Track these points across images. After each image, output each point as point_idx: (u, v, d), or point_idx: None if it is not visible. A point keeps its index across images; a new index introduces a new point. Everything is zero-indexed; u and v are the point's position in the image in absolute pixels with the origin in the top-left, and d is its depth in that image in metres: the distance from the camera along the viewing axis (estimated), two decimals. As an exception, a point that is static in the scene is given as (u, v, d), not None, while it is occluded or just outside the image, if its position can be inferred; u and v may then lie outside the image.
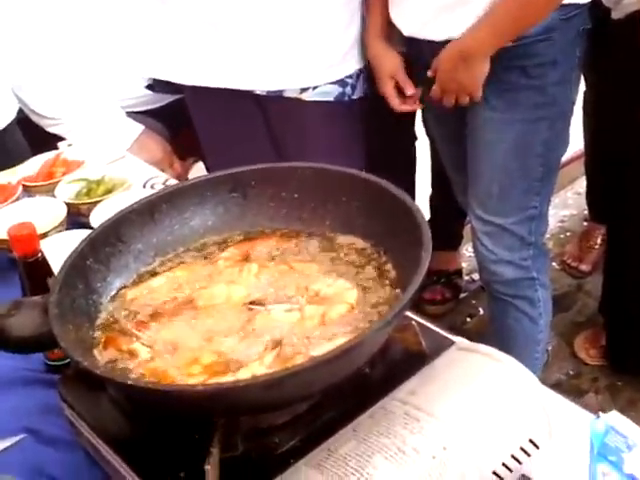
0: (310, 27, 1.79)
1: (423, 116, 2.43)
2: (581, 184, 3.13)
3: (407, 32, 1.79)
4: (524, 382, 0.89)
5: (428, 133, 2.51)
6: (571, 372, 2.47)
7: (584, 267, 2.90)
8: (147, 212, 1.08)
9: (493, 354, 0.92)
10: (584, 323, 2.67)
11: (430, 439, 0.82)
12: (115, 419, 0.94)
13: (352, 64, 1.87)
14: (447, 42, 1.69)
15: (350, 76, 1.86)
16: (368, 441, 0.83)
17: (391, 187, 0.98)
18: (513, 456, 0.84)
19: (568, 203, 3.27)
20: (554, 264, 2.86)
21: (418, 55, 1.84)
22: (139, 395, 0.83)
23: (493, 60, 1.69)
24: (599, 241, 2.89)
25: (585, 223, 3.09)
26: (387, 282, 0.97)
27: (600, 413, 0.78)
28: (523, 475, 0.85)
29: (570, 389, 2.39)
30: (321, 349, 0.86)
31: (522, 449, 0.85)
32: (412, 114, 2.53)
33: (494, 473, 0.83)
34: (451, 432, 0.82)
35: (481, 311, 2.85)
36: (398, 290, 0.93)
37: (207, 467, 0.80)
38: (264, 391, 0.76)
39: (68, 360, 1.13)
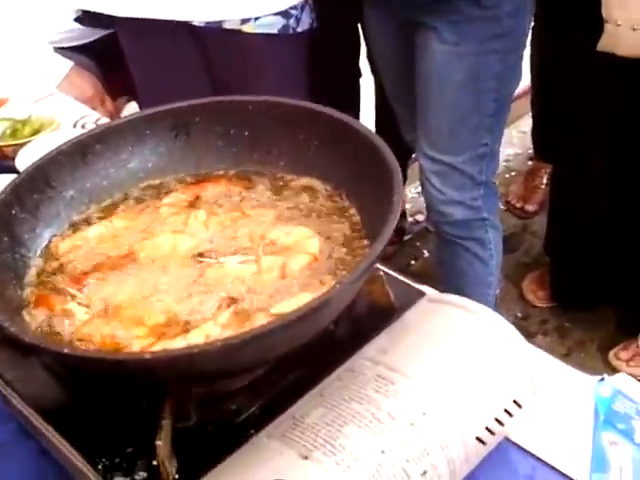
0: None
1: (368, 52, 2.33)
2: (526, 122, 3.08)
3: None
4: (505, 336, 0.81)
5: (373, 70, 2.42)
6: (519, 314, 2.44)
7: (529, 207, 2.86)
8: (78, 153, 0.96)
9: (469, 306, 0.84)
10: (531, 264, 2.65)
11: (407, 404, 0.73)
12: (49, 388, 0.84)
13: None
14: None
15: (294, 7, 1.74)
16: (338, 408, 0.74)
17: (357, 124, 0.88)
18: (497, 419, 0.77)
19: (513, 142, 3.21)
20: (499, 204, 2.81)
21: None
22: (77, 365, 0.73)
23: (445, -9, 1.61)
24: (544, 181, 2.86)
25: (530, 162, 3.05)
26: (351, 229, 0.87)
27: (605, 375, 0.71)
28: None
29: (519, 331, 2.35)
30: (284, 306, 0.77)
31: (506, 411, 0.77)
32: (356, 49, 2.44)
33: (478, 439, 0.75)
34: (430, 395, 0.74)
35: (426, 253, 2.80)
36: (365, 239, 0.84)
37: (158, 442, 0.71)
38: (223, 357, 0.67)
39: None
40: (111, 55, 2.09)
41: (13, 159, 1.40)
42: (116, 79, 2.23)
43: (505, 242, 2.24)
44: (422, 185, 1.99)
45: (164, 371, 0.69)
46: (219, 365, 0.70)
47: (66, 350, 0.68)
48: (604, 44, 1.76)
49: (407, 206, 2.94)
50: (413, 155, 2.77)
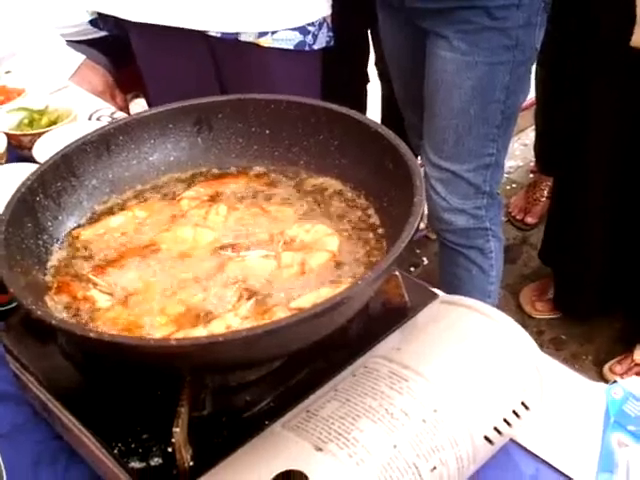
0: None
1: (376, 58, 2.35)
2: (528, 135, 3.10)
3: None
4: (516, 339, 0.83)
5: (380, 76, 2.44)
6: (516, 325, 2.44)
7: (530, 219, 2.88)
8: (102, 144, 0.97)
9: (482, 309, 0.85)
10: (529, 275, 2.67)
11: (420, 401, 0.75)
12: (67, 373, 0.85)
13: (315, 11, 1.74)
14: None
15: (312, 24, 1.74)
16: (352, 402, 0.75)
17: (378, 126, 0.89)
18: (505, 420, 0.78)
19: (515, 154, 3.23)
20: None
21: None
22: (101, 350, 0.74)
23: (456, -1, 1.63)
24: (545, 194, 2.88)
25: (531, 175, 3.07)
26: (370, 229, 0.89)
27: (617, 378, 0.72)
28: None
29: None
30: (303, 301, 0.78)
31: (514, 412, 0.79)
32: (365, 55, 2.46)
33: (486, 438, 0.77)
34: (442, 393, 0.76)
35: (425, 260, 2.81)
36: (384, 239, 0.86)
37: (175, 429, 0.72)
38: (245, 347, 0.68)
39: (12, 306, 1.03)
40: (122, 50, 2.10)
41: (29, 149, 1.41)
42: (127, 74, 2.25)
43: (504, 253, 2.25)
44: (426, 192, 2.00)
45: (186, 358, 0.70)
46: (240, 355, 0.71)
47: (92, 335, 0.69)
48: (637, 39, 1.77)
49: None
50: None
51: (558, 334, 2.43)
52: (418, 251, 2.86)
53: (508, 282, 2.59)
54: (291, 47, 1.72)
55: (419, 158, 2.36)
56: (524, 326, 0.82)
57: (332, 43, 1.78)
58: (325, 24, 1.76)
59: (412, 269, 2.79)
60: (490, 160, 1.86)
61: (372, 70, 2.56)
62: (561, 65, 2.50)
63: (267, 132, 1.00)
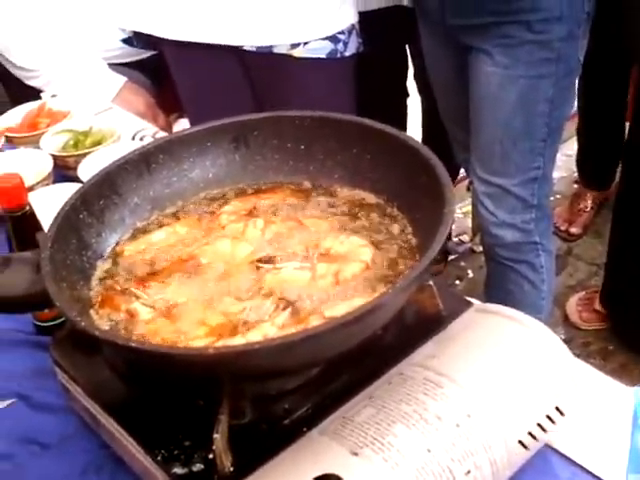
0: None
1: (415, 72, 2.37)
2: (570, 146, 3.08)
3: None
4: (550, 346, 0.84)
5: (420, 90, 2.45)
6: (562, 336, 2.43)
7: (574, 230, 2.87)
8: (143, 163, 1.01)
9: (515, 316, 0.87)
10: (575, 286, 2.65)
11: (453, 406, 0.77)
12: (112, 384, 0.88)
13: (344, 19, 1.78)
14: None
15: (342, 32, 1.77)
16: (387, 408, 0.77)
17: (410, 139, 0.91)
18: (539, 424, 0.79)
19: (558, 165, 3.20)
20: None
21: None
22: (144, 359, 0.77)
23: (497, 13, 1.65)
24: (589, 204, 2.87)
25: (575, 185, 3.06)
26: (403, 240, 0.91)
27: (646, 381, 0.73)
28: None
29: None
30: (337, 310, 0.80)
31: (548, 417, 0.80)
32: (404, 69, 2.48)
33: (520, 442, 0.78)
34: (475, 399, 0.77)
35: (470, 273, 2.82)
36: (416, 250, 0.88)
37: (216, 435, 0.75)
38: (280, 354, 0.70)
39: (59, 321, 1.08)
40: (163, 71, 2.14)
41: (75, 169, 1.45)
42: (169, 94, 2.29)
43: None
44: (475, 207, 2.01)
45: (224, 366, 0.72)
46: (276, 362, 0.73)
47: (134, 345, 0.72)
48: None
49: (452, 226, 2.96)
50: (459, 176, 2.80)
51: (605, 345, 2.41)
52: (463, 264, 2.86)
53: (553, 293, 2.58)
54: (323, 56, 1.76)
55: (462, 171, 2.37)
56: (570, 337, 0.84)
57: (362, 49, 1.81)
58: (354, 31, 1.80)
59: (457, 282, 2.79)
60: (537, 173, 1.86)
61: (411, 84, 2.58)
62: (603, 76, 2.50)
63: (302, 147, 1.02)
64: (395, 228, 0.93)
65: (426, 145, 2.51)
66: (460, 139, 2.08)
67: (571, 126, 2.89)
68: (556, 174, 3.14)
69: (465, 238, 2.93)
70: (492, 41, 1.69)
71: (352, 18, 1.79)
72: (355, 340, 0.77)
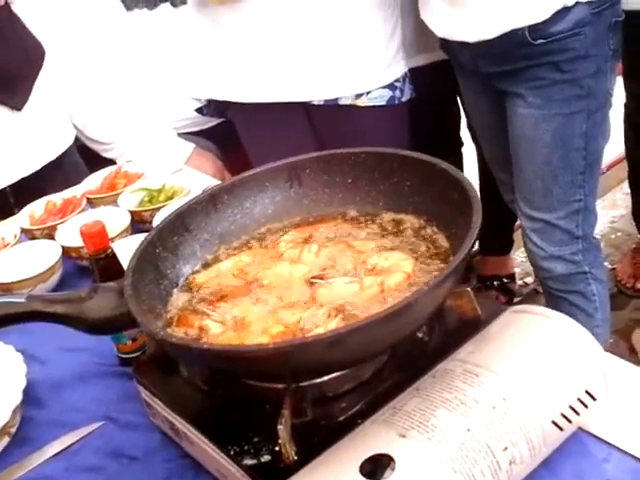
0: (360, 34, 1.86)
1: (468, 121, 2.47)
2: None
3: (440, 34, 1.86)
4: (578, 337, 0.92)
5: (473, 138, 2.55)
6: (629, 368, 2.46)
7: None
8: (210, 203, 1.14)
9: (545, 312, 0.96)
10: (640, 320, 2.68)
11: (490, 391, 0.85)
12: (189, 396, 1.00)
13: (400, 67, 1.94)
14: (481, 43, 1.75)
15: (398, 80, 1.93)
16: (431, 397, 0.86)
17: (440, 163, 1.03)
18: (571, 407, 0.88)
19: (617, 203, 3.27)
20: (606, 264, 2.85)
21: (454, 55, 1.91)
22: (213, 359, 0.88)
23: (525, 57, 1.74)
24: None
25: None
26: (441, 252, 1.01)
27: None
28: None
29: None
30: (381, 312, 0.91)
31: (579, 400, 0.88)
32: (457, 118, 2.59)
33: (554, 423, 0.86)
34: (509, 384, 0.86)
35: (535, 313, 2.85)
36: (452, 258, 0.98)
37: (279, 427, 0.85)
38: (330, 346, 0.81)
39: (139, 352, 1.20)
40: (230, 138, 2.28)
41: (151, 222, 1.58)
42: (236, 159, 2.42)
43: (613, 299, 2.27)
44: (524, 244, 2.09)
45: (283, 360, 0.83)
46: (328, 355, 0.83)
47: (205, 346, 0.84)
48: None
49: (516, 270, 3.02)
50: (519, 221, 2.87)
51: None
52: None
53: (619, 327, 2.62)
54: (384, 103, 1.91)
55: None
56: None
57: (414, 95, 1.96)
58: (407, 78, 1.95)
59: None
60: (579, 206, 1.93)
61: (466, 133, 2.69)
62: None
63: (349, 181, 1.14)
64: (434, 243, 1.03)
65: (483, 192, 2.61)
66: (505, 180, 2.17)
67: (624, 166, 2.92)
68: (616, 212, 3.20)
69: (529, 280, 2.99)
70: (524, 84, 1.79)
71: (406, 65, 1.96)
72: (398, 335, 0.87)
